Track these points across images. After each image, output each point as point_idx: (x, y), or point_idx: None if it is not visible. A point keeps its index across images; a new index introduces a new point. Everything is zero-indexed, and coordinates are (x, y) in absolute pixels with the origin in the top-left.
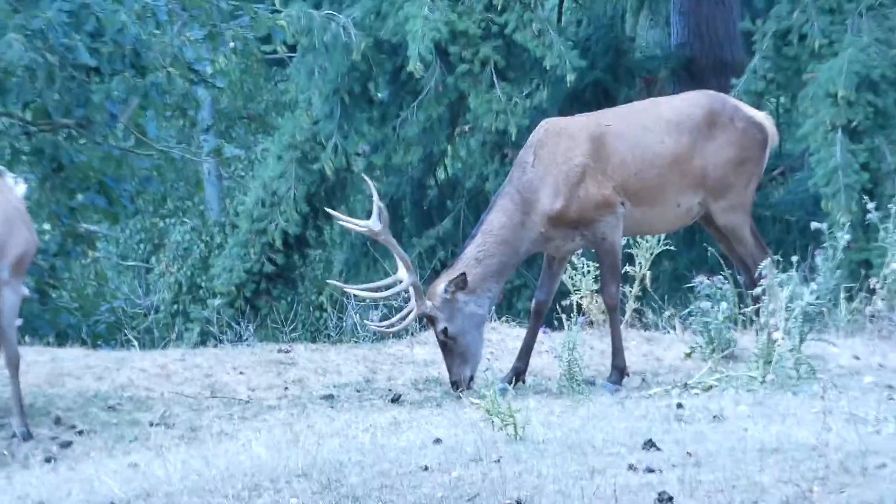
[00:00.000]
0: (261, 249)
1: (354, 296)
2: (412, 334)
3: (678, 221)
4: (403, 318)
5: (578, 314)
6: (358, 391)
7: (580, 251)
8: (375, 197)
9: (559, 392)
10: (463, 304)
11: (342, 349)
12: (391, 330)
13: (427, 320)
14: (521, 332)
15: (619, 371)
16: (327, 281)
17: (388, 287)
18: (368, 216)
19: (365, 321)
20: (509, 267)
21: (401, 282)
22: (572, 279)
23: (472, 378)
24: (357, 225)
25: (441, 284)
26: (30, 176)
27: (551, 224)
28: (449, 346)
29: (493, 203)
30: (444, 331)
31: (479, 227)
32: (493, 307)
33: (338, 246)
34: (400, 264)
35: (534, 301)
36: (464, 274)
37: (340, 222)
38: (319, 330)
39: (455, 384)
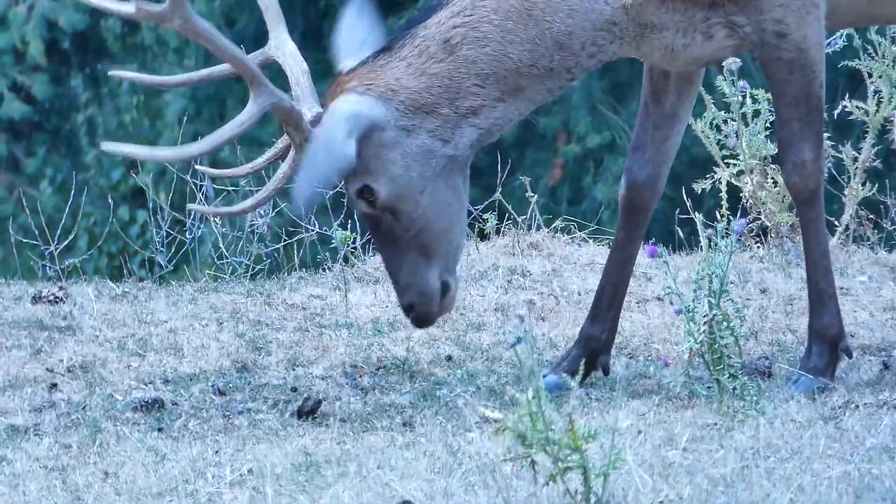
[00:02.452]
0: None
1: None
2: (347, 260)
3: None
4: (273, 186)
5: (735, 213)
6: (222, 392)
7: (729, 63)
8: None
9: (688, 394)
10: (402, 129)
11: (183, 294)
12: (233, 212)
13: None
14: (597, 254)
15: (825, 344)
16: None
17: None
18: None
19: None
20: (537, 84)
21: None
22: (718, 130)
23: (448, 292)
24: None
25: (355, 82)
26: None
27: None
28: (385, 224)
29: None
30: (365, 191)
31: None
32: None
33: (168, 55)
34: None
35: (623, 181)
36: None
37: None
38: (129, 249)
39: (409, 309)
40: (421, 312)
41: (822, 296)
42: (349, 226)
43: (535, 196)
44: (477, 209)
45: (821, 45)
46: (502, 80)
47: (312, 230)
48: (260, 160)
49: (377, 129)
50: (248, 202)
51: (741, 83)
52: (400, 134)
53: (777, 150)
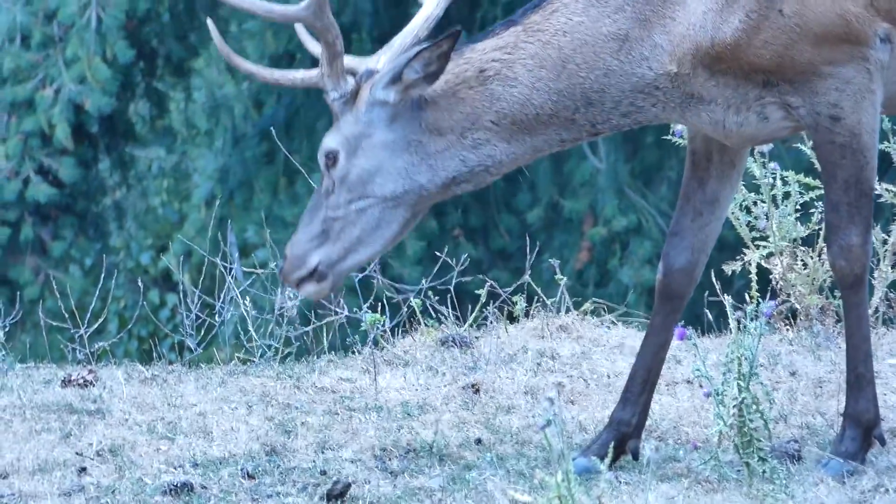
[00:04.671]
0: (23, 148)
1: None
2: (377, 343)
3: None
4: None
5: (764, 295)
6: (251, 476)
7: (772, 144)
8: None
9: (717, 478)
10: (407, 142)
11: (213, 377)
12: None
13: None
14: (626, 336)
15: (860, 429)
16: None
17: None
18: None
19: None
20: (551, 132)
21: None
22: (748, 211)
23: (321, 282)
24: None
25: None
26: None
27: (703, 65)
28: (325, 187)
29: None
30: (331, 156)
31: (525, 13)
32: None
33: (197, 138)
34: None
35: (661, 267)
36: (451, 37)
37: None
38: (159, 333)
39: (284, 270)
40: (283, 272)
41: (860, 380)
42: (378, 308)
43: (564, 279)
44: (506, 292)
45: (875, 131)
46: (517, 123)
47: (341, 313)
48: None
49: (392, 121)
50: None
51: (771, 165)
52: (402, 143)
53: (824, 232)
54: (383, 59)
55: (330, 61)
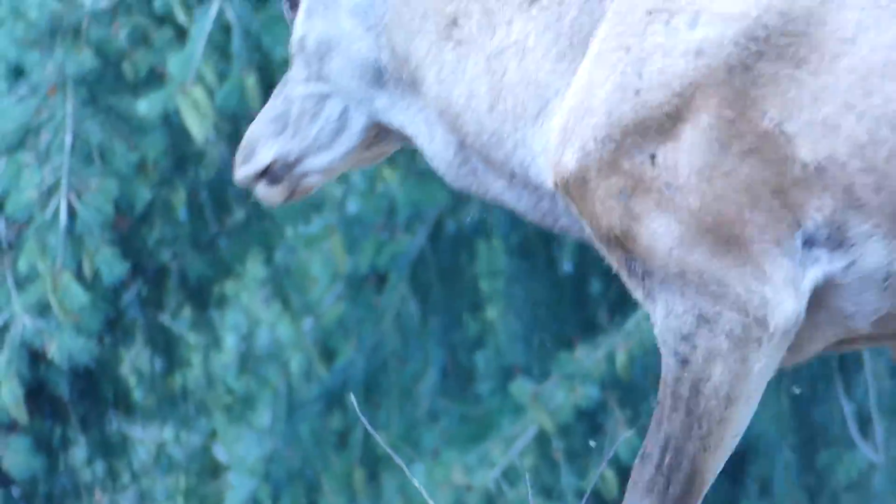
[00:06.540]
0: None
1: None
2: None
3: None
4: None
5: None
6: None
7: None
8: None
9: None
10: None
11: None
12: None
13: None
14: None
15: None
16: None
17: None
18: None
19: None
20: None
21: None
22: None
23: (288, 179)
24: None
25: None
26: None
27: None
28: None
29: None
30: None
31: None
32: None
33: (231, 409)
34: None
35: None
36: None
37: None
38: None
39: (235, 159)
40: (235, 161)
41: None
42: None
43: None
44: None
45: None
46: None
47: None
48: None
49: None
50: None
51: None
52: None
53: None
54: None
55: None
